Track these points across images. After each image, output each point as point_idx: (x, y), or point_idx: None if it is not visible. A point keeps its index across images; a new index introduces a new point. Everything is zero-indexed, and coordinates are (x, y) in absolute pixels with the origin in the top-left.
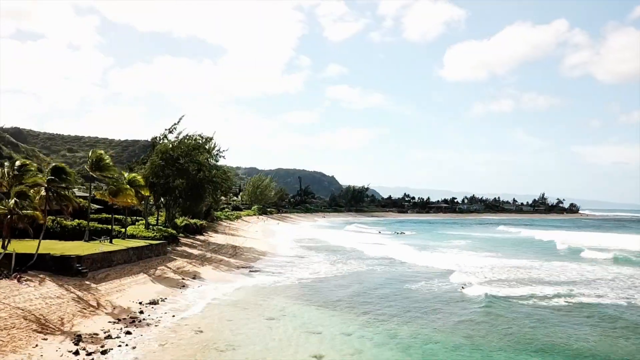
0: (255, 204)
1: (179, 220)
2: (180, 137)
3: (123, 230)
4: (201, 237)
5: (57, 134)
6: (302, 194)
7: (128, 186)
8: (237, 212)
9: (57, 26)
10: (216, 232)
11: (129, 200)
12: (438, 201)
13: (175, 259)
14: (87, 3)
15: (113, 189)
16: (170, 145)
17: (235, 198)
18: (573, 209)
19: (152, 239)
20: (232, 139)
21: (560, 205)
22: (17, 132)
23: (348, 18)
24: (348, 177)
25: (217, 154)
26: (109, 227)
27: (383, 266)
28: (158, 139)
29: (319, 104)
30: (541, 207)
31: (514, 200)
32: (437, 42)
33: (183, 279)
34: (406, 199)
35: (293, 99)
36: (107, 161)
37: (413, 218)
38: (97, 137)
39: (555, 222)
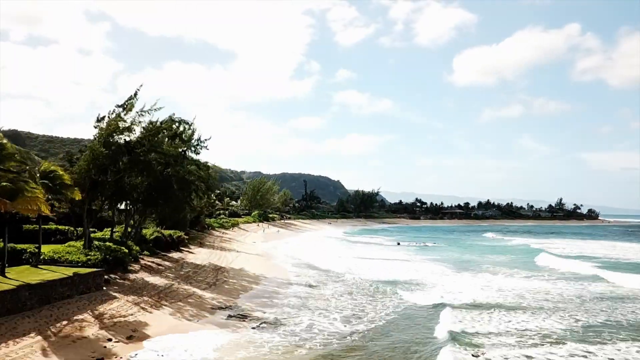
0: (256, 209)
1: (149, 232)
2: (134, 113)
3: (37, 250)
4: (176, 255)
5: (55, 137)
6: (308, 199)
7: (34, 184)
8: (235, 219)
9: (69, 31)
10: (202, 245)
11: (35, 207)
12: (451, 206)
13: (116, 298)
14: (99, 8)
15: (8, 189)
16: (120, 127)
17: (233, 203)
18: (592, 215)
19: (84, 264)
20: (238, 143)
21: (578, 211)
22: (14, 135)
23: (358, 23)
24: (354, 183)
25: (197, 144)
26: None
27: (429, 300)
28: (106, 117)
29: (327, 109)
30: (559, 213)
31: (531, 206)
32: (447, 47)
33: (109, 340)
34: (417, 204)
35: (301, 104)
36: (7, 148)
37: (427, 225)
38: None
39: (593, 230)
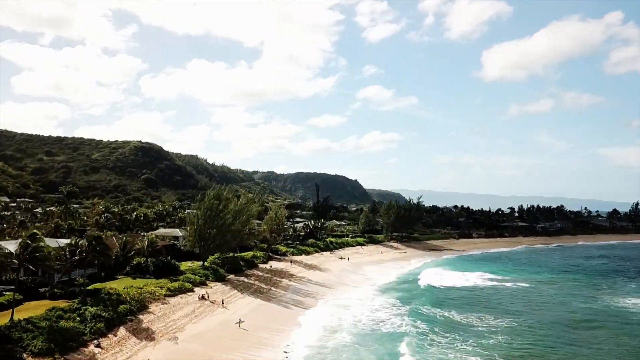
0: (216, 251)
1: None
2: None
3: None
4: None
5: (35, 135)
6: (320, 209)
7: None
8: (148, 286)
9: (95, 32)
10: None
11: None
12: (504, 213)
13: None
14: (125, 8)
15: None
16: None
17: (173, 232)
18: None
19: None
20: (256, 143)
21: None
22: None
23: (388, 17)
24: (372, 182)
25: None
26: None
27: None
28: None
29: (349, 107)
30: None
31: (612, 213)
32: (478, 42)
33: None
34: (463, 213)
35: (323, 102)
36: None
37: (496, 251)
38: (82, 138)
39: None
